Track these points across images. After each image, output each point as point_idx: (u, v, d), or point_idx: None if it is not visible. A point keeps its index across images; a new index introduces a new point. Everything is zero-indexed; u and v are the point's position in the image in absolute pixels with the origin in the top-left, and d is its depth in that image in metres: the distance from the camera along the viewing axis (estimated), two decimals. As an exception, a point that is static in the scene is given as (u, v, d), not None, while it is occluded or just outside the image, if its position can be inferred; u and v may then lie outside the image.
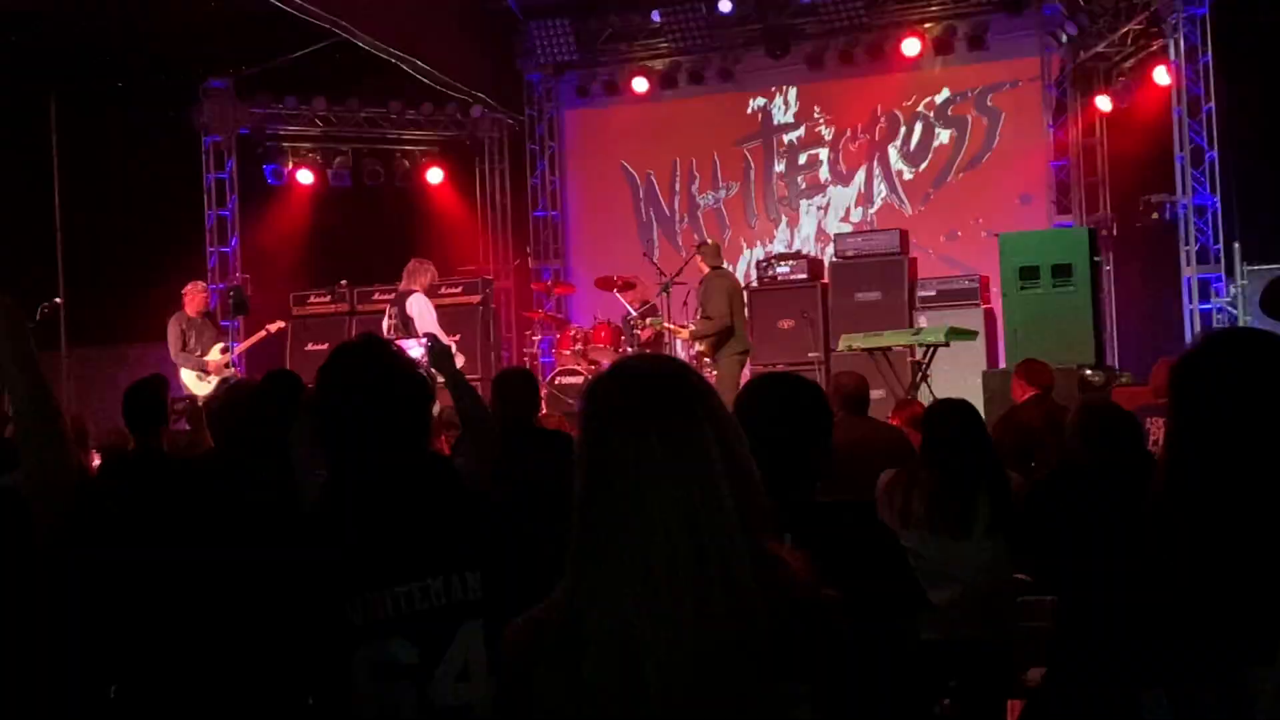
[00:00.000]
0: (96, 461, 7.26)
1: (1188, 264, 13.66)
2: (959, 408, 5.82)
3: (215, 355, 13.37)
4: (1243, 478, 1.93)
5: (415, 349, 5.17)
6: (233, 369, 13.51)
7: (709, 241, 13.51)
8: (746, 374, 14.43)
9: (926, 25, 16.12)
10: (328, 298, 15.97)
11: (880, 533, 3.45)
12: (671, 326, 13.22)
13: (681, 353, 12.87)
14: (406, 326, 11.76)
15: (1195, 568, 1.96)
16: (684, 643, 1.90)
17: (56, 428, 2.91)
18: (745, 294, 14.70)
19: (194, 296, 13.63)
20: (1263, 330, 2.10)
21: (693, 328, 12.79)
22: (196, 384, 13.15)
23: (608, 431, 2.00)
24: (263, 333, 13.99)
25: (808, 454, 3.19)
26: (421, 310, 11.92)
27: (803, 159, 17.14)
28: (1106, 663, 1.96)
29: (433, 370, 4.83)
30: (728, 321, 12.30)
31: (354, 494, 3.03)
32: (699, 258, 12.86)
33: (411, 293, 12.08)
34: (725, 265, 13.55)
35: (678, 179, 17.62)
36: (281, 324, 14.55)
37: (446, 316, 14.87)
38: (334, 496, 3.16)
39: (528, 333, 16.06)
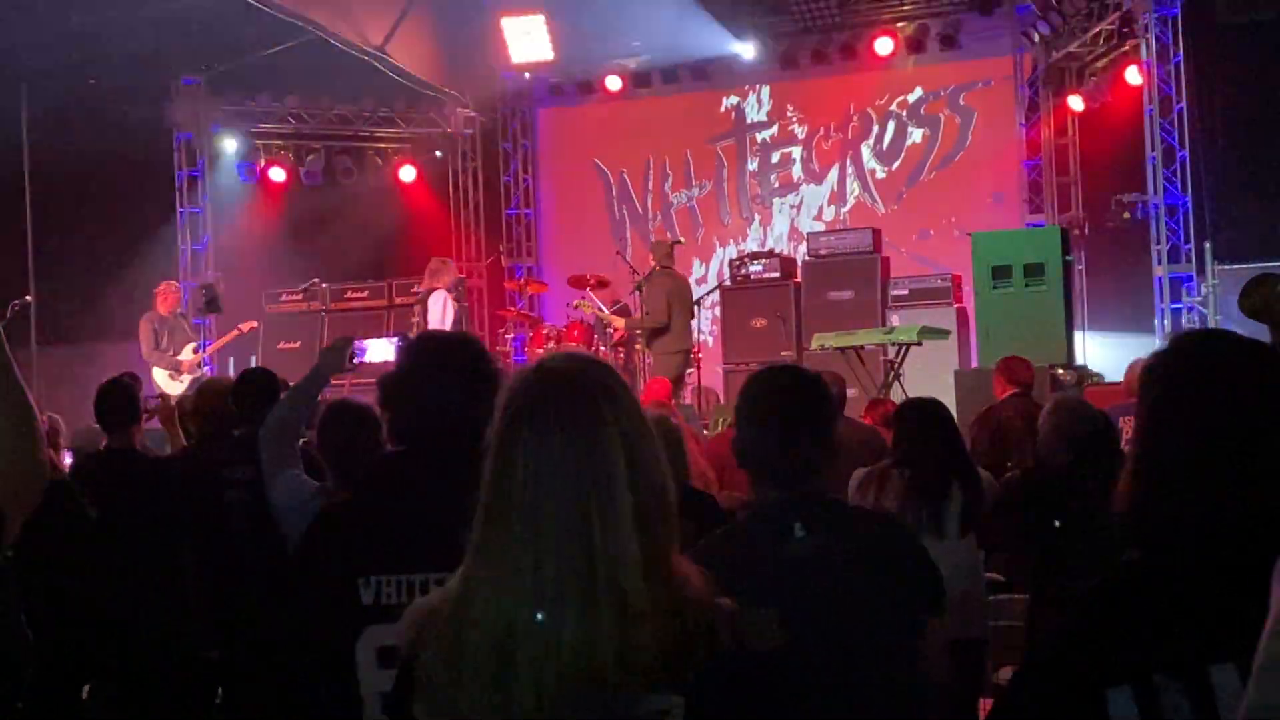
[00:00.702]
0: (68, 460, 7.23)
1: (1159, 263, 13.74)
2: (929, 407, 5.83)
3: (188, 354, 13.33)
4: (1209, 478, 1.95)
5: (385, 346, 5.15)
6: (203, 368, 13.46)
7: (667, 239, 13.64)
8: (719, 373, 14.47)
9: (899, 24, 16.16)
10: (300, 296, 15.91)
11: (903, 532, 3.42)
12: (603, 312, 13.34)
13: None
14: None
15: (1160, 566, 1.97)
16: (562, 646, 1.90)
17: (29, 426, 2.88)
18: (718, 292, 14.76)
19: (166, 295, 13.60)
20: (1233, 332, 2.12)
21: (627, 319, 13.10)
22: (169, 383, 13.11)
23: (515, 428, 2.01)
24: (235, 332, 13.94)
25: (813, 443, 3.18)
26: (439, 308, 12.37)
27: (776, 157, 17.17)
28: (1074, 660, 1.97)
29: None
30: (664, 319, 12.49)
31: (403, 472, 3.04)
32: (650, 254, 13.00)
33: (434, 291, 12.47)
34: (700, 265, 13.61)
35: (651, 177, 17.63)
36: (254, 324, 14.51)
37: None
38: (385, 470, 3.16)
39: (501, 331, 16.00)
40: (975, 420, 8.68)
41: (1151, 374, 2.07)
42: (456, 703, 1.96)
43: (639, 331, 13.16)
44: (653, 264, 12.86)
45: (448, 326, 12.27)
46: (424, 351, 3.10)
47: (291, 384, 4.91)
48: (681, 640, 1.95)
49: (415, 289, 15.78)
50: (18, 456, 2.84)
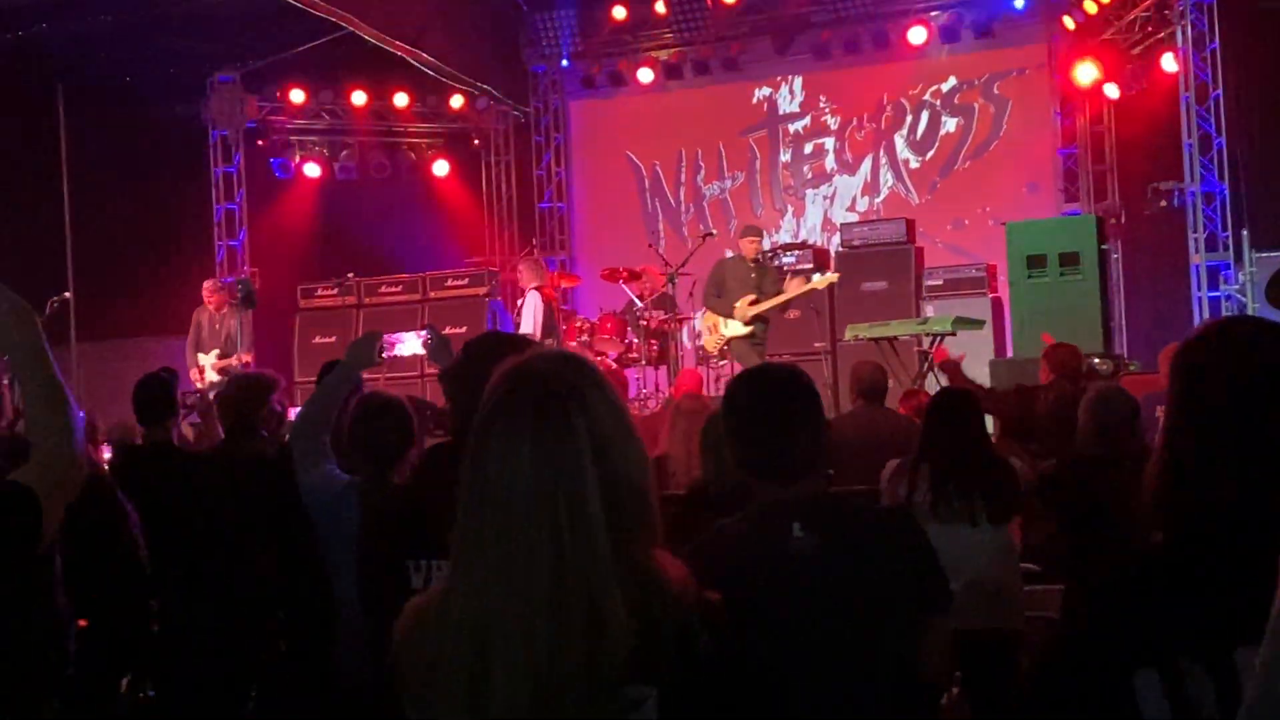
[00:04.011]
0: (107, 454, 7.29)
1: (1196, 251, 13.66)
2: (957, 399, 5.81)
3: (210, 359, 13.42)
4: (1238, 464, 1.94)
5: (414, 340, 5.16)
6: (237, 363, 13.53)
7: (700, 230, 13.77)
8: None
9: (933, 13, 16.09)
10: (335, 291, 15.96)
11: (907, 527, 3.39)
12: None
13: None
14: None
15: (1186, 549, 1.97)
16: (534, 648, 1.92)
17: (66, 418, 2.92)
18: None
19: (210, 294, 13.85)
20: (1260, 317, 2.11)
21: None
22: (213, 375, 13.35)
23: (487, 428, 2.03)
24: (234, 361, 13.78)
25: (806, 439, 3.17)
26: (530, 309, 13.12)
27: (808, 148, 17.13)
28: (1100, 643, 1.96)
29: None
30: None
31: (453, 462, 3.05)
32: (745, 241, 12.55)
33: (530, 290, 13.23)
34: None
35: (683, 169, 17.62)
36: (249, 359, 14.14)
37: (452, 309, 14.94)
38: (437, 459, 3.19)
39: (535, 324, 16.05)
40: (1015, 389, 8.58)
41: (1180, 360, 2.07)
42: (434, 703, 1.99)
43: (669, 325, 13.23)
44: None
45: (536, 327, 12.79)
46: (484, 352, 3.12)
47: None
48: (654, 639, 1.96)
49: (449, 282, 15.89)
50: (55, 447, 2.89)
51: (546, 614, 1.92)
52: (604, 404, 2.06)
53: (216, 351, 13.53)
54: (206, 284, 14.16)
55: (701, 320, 12.95)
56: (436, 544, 2.90)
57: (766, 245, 15.85)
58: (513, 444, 1.99)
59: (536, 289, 13.24)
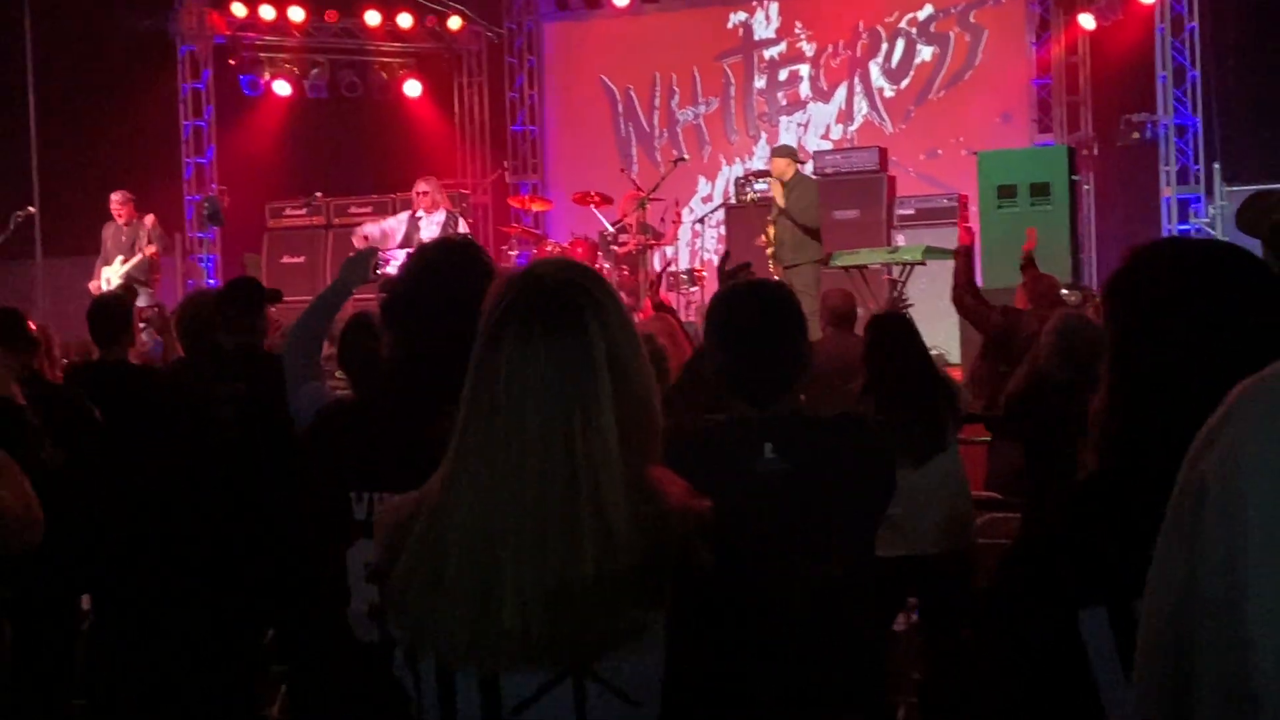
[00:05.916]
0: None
1: (1167, 184, 13.68)
2: (892, 325, 5.74)
3: (115, 268, 12.83)
4: (1170, 389, 1.91)
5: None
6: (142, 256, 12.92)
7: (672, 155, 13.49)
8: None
9: (910, -61, 15.96)
10: (304, 210, 15.84)
11: (873, 435, 3.35)
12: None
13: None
14: None
15: (1136, 482, 1.95)
16: (546, 561, 1.87)
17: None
18: (722, 210, 14.69)
19: (117, 207, 13.02)
20: (1193, 238, 2.09)
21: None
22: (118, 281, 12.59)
23: (499, 333, 1.96)
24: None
25: (784, 360, 3.13)
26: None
27: (783, 75, 17.02)
28: (1047, 579, 1.94)
29: None
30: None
31: (397, 390, 3.01)
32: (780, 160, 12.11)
33: (454, 214, 12.90)
34: (705, 183, 13.45)
35: (657, 94, 17.50)
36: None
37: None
38: (381, 385, 3.14)
39: (504, 248, 15.96)
40: (1002, 310, 8.56)
41: (1111, 287, 2.03)
42: (434, 616, 1.92)
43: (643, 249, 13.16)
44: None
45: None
46: (430, 264, 3.04)
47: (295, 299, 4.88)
48: (659, 555, 1.91)
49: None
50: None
51: (559, 523, 1.87)
52: (616, 313, 2.01)
53: (120, 258, 12.85)
54: (115, 196, 13.22)
55: None
56: (380, 475, 2.86)
57: (739, 172, 15.84)
58: (527, 349, 1.93)
59: (458, 214, 13.05)
